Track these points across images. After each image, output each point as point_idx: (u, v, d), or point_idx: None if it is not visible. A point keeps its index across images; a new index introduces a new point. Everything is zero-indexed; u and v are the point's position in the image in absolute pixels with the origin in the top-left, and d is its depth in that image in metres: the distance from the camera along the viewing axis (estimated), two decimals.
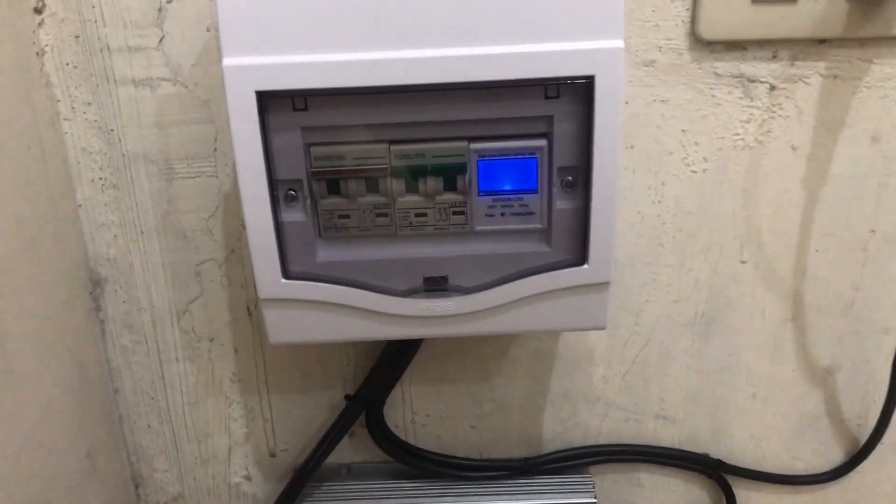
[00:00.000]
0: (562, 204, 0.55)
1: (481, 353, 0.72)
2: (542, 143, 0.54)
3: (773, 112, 0.63)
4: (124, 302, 0.69)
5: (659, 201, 0.66)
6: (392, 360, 0.69)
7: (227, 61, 0.50)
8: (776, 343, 0.72)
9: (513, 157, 0.54)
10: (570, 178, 0.55)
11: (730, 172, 0.65)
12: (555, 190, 0.55)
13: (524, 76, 0.50)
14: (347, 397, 0.71)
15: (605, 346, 0.72)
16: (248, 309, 0.70)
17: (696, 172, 0.65)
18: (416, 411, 0.74)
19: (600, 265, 0.55)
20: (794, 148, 0.64)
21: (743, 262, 0.68)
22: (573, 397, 0.74)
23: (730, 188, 0.66)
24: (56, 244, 0.62)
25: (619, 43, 0.50)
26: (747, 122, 0.63)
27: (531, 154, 0.54)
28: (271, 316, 0.57)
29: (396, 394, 0.73)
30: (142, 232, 0.67)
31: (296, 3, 0.49)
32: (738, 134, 0.64)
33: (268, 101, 0.51)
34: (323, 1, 0.49)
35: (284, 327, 0.58)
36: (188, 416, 0.74)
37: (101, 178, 0.65)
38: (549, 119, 0.53)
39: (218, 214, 0.66)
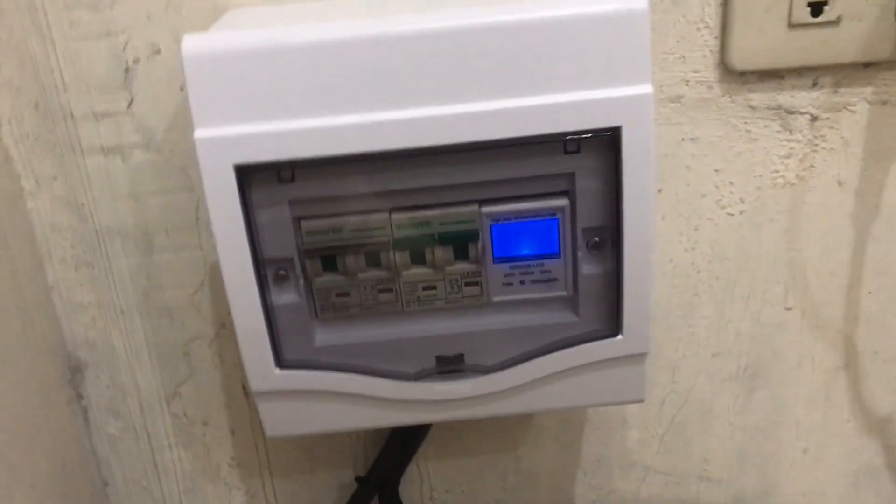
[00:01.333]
0: (589, 268, 0.49)
1: (504, 422, 0.65)
2: (564, 202, 0.47)
3: (816, 145, 0.56)
4: (108, 387, 0.63)
5: (692, 248, 0.59)
6: (405, 436, 0.63)
7: (200, 133, 0.43)
8: (828, 393, 0.65)
9: (530, 219, 0.48)
10: (596, 239, 0.48)
11: (770, 213, 0.58)
12: (580, 253, 0.48)
13: (541, 132, 0.44)
14: (358, 479, 0.64)
15: (640, 407, 0.65)
16: (244, 388, 0.63)
17: (732, 215, 0.58)
18: (434, 488, 0.67)
19: (636, 335, 0.49)
20: (840, 182, 0.58)
21: (788, 308, 0.62)
22: (607, 463, 0.67)
23: (770, 230, 0.59)
24: (26, 331, 0.56)
25: (646, 89, 0.43)
26: (787, 157, 0.57)
27: (551, 215, 0.47)
28: (266, 409, 0.51)
29: (412, 470, 0.67)
30: (122, 312, 0.60)
31: (276, 62, 0.43)
32: (777, 171, 0.57)
33: (249, 175, 0.45)
34: (304, 59, 0.42)
35: (283, 419, 0.51)
36: None
37: (73, 256, 0.58)
38: (571, 176, 0.46)
39: (204, 288, 0.60)
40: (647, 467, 0.68)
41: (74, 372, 0.62)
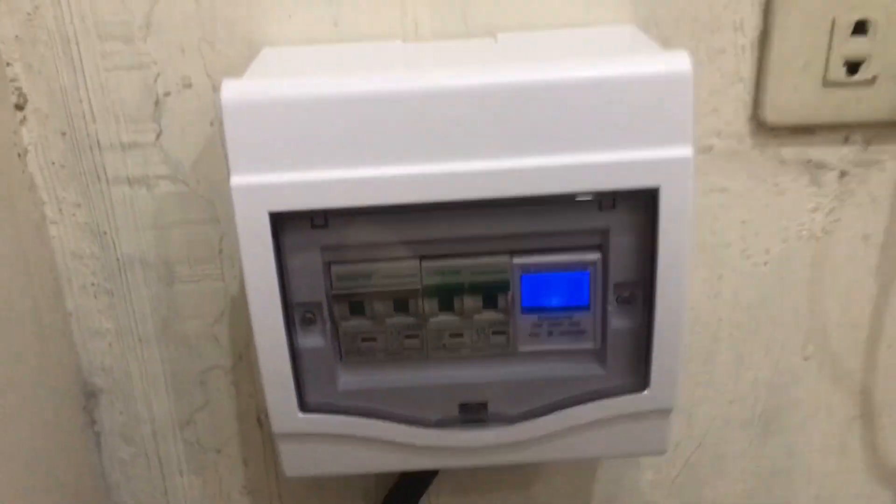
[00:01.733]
0: (618, 323, 0.48)
1: None
2: (596, 256, 0.47)
3: (844, 199, 0.56)
4: (121, 413, 0.62)
5: (715, 296, 0.59)
6: (418, 472, 0.62)
7: (236, 180, 0.43)
8: (842, 442, 0.65)
9: (561, 271, 0.47)
10: (627, 294, 0.48)
11: (794, 264, 0.58)
12: (610, 307, 0.48)
13: (576, 189, 0.44)
14: None
15: None
16: (259, 419, 0.63)
17: (756, 265, 0.58)
18: None
19: (663, 390, 0.49)
20: (865, 237, 0.57)
21: (806, 358, 0.62)
22: (620, 503, 0.67)
23: (794, 281, 0.59)
24: (43, 357, 0.56)
25: (687, 151, 0.43)
26: (814, 210, 0.57)
27: (583, 268, 0.47)
28: (287, 450, 0.51)
29: None
30: (140, 339, 0.60)
31: (314, 112, 0.42)
32: (803, 223, 0.57)
33: (283, 222, 0.44)
34: (342, 110, 0.42)
35: (302, 460, 0.51)
36: None
37: (93, 284, 0.58)
38: (605, 232, 0.46)
39: (224, 319, 0.59)
40: None
41: (89, 397, 0.62)
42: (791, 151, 0.55)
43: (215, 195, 0.55)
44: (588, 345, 0.49)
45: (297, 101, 0.42)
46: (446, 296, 0.48)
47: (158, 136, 0.54)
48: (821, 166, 0.55)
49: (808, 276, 0.59)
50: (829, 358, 0.62)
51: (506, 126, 0.42)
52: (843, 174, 0.56)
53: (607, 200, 0.45)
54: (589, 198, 0.45)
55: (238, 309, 0.59)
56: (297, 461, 0.51)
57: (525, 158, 0.43)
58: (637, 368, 0.49)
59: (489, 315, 0.48)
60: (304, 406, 0.49)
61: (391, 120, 0.42)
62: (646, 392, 0.49)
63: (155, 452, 0.64)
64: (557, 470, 0.66)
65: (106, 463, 0.64)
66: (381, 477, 0.65)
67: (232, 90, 0.42)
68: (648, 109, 0.42)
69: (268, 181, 0.43)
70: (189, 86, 0.52)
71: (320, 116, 0.42)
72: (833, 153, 0.55)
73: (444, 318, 0.48)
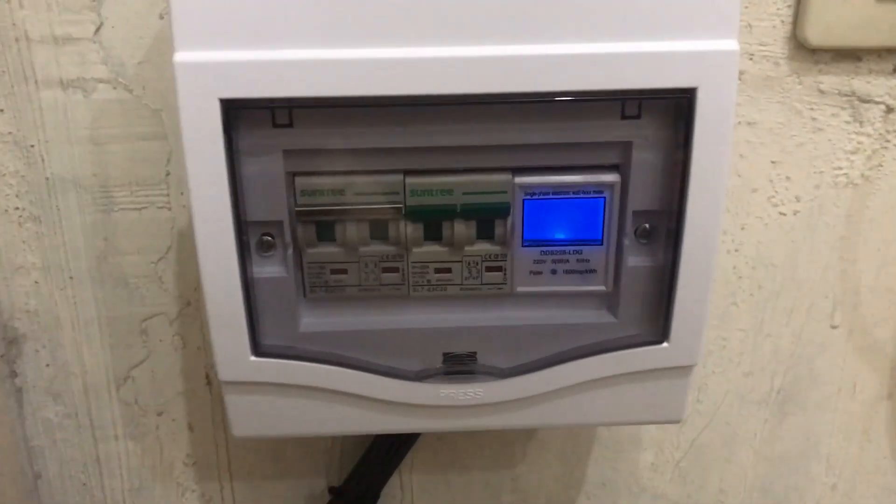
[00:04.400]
0: (635, 260, 0.41)
1: (503, 434, 0.57)
2: (614, 178, 0.39)
3: (888, 141, 0.49)
4: (48, 365, 0.54)
5: (736, 250, 0.52)
6: (390, 442, 0.54)
7: (181, 56, 0.35)
8: (866, 425, 0.58)
9: (572, 196, 0.40)
10: (647, 225, 0.40)
11: (827, 216, 0.51)
12: (626, 241, 0.40)
13: (595, 87, 0.36)
14: (332, 490, 0.55)
15: (657, 427, 0.57)
16: (207, 376, 0.55)
17: (784, 215, 0.51)
18: None
19: (686, 344, 0.41)
20: None
21: (834, 326, 0.55)
22: (614, 488, 0.59)
23: (825, 236, 0.52)
24: None
25: (732, 44, 0.36)
26: (854, 152, 0.50)
27: (597, 193, 0.40)
28: (236, 403, 0.42)
29: (394, 484, 0.58)
30: (71, 277, 0.51)
31: None
32: (840, 168, 0.50)
33: (237, 114, 0.36)
34: None
35: (254, 417, 0.43)
36: None
37: (17, 209, 0.49)
38: (626, 147, 0.38)
39: (170, 257, 0.51)
40: (658, 495, 0.60)
41: (9, 345, 0.53)
42: (832, 81, 0.48)
43: (164, 105, 0.47)
44: (598, 286, 0.42)
45: None
46: (433, 221, 0.40)
47: (98, 28, 0.45)
48: (865, 100, 0.48)
49: (842, 231, 0.52)
50: (858, 327, 0.55)
51: (513, 3, 0.35)
52: (889, 110, 0.49)
53: (631, 106, 0.37)
54: (610, 101, 0.37)
55: (187, 244, 0.51)
56: (248, 418, 0.43)
57: (533, 45, 0.35)
58: (656, 316, 0.41)
59: (483, 247, 0.41)
60: (257, 349, 0.41)
61: None
62: (665, 344, 0.41)
63: (86, 413, 0.55)
64: (548, 447, 0.58)
65: (28, 423, 0.55)
66: (347, 449, 0.57)
67: None
68: None
69: (220, 59, 0.35)
70: None
71: None
72: (880, 84, 0.48)
73: (430, 248, 0.41)
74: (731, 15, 0.35)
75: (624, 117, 0.38)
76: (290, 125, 0.37)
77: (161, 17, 0.45)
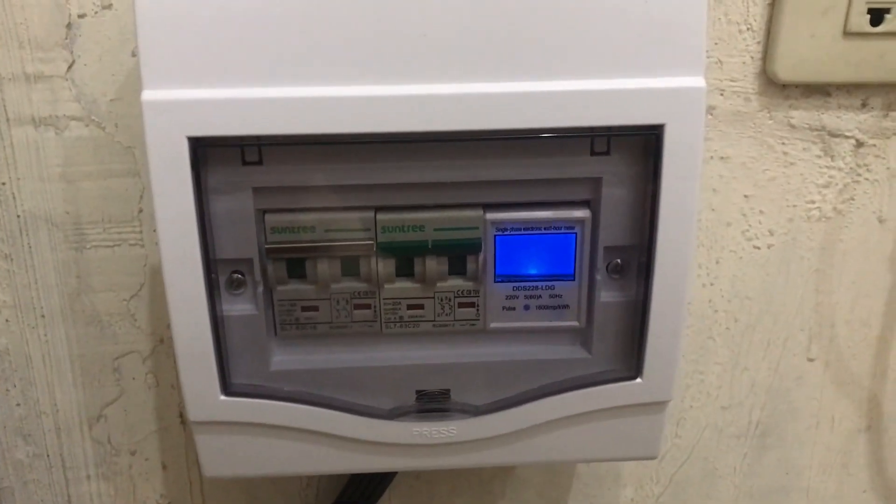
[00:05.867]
0: (608, 296, 0.41)
1: (481, 471, 0.57)
2: (585, 213, 0.39)
3: (859, 175, 0.50)
4: (19, 405, 0.53)
5: (711, 284, 0.52)
6: (366, 481, 0.53)
7: (149, 94, 0.35)
8: (846, 458, 0.58)
9: (543, 231, 0.40)
10: (619, 261, 0.40)
11: (801, 249, 0.51)
12: (598, 277, 0.40)
13: (565, 124, 0.36)
14: None
15: (636, 462, 0.57)
16: (181, 415, 0.54)
17: (759, 248, 0.51)
18: None
19: (659, 379, 0.41)
20: (881, 220, 0.51)
21: (811, 359, 0.55)
22: None
23: (800, 268, 0.52)
24: None
25: (698, 82, 0.36)
26: (826, 186, 0.50)
27: (568, 228, 0.40)
28: (207, 443, 0.42)
29: None
30: (42, 316, 0.51)
31: (248, 15, 0.34)
32: (813, 202, 0.50)
33: (206, 151, 0.36)
34: (285, 12, 0.34)
35: (225, 458, 0.42)
36: None
37: None
38: (596, 182, 0.39)
39: (143, 294, 0.50)
40: None
41: None
42: (803, 116, 0.48)
43: (136, 142, 0.47)
44: (571, 322, 0.41)
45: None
46: (405, 257, 0.40)
47: (70, 66, 0.45)
48: (835, 134, 0.49)
49: (816, 263, 0.52)
50: (835, 359, 0.55)
51: (482, 42, 0.35)
52: (859, 144, 0.49)
53: (601, 142, 0.37)
54: (579, 137, 0.37)
55: (160, 282, 0.50)
56: (220, 458, 0.42)
57: (503, 83, 0.35)
58: (629, 352, 0.41)
59: (456, 282, 0.41)
60: (227, 388, 0.40)
61: (341, 28, 0.35)
62: (638, 380, 0.41)
63: (58, 453, 0.54)
64: (527, 484, 0.57)
65: None
66: (323, 490, 0.56)
67: None
68: (652, 29, 0.35)
69: (188, 97, 0.35)
70: (109, 6, 0.44)
71: (255, 21, 0.34)
72: (849, 119, 0.48)
73: (402, 284, 0.40)
74: (697, 52, 0.36)
75: (594, 153, 0.38)
76: (260, 162, 0.37)
77: (133, 55, 0.45)
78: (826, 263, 0.52)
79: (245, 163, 0.37)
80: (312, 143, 0.36)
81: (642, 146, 0.37)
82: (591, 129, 0.36)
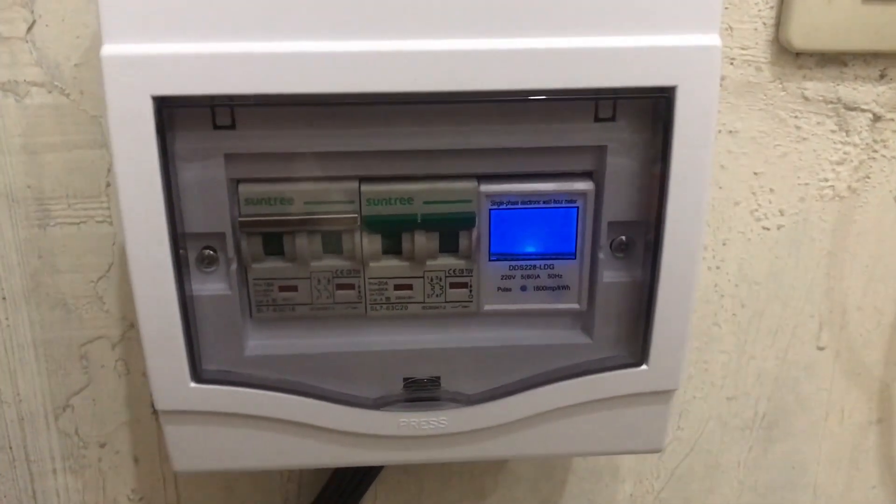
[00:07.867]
0: (611, 276, 0.38)
1: (472, 465, 0.54)
2: (588, 185, 0.36)
3: (875, 151, 0.47)
4: None
5: (717, 267, 0.49)
6: (350, 475, 0.50)
7: (109, 49, 0.31)
8: (855, 452, 0.55)
9: (542, 206, 0.37)
10: (623, 238, 0.37)
11: (812, 230, 0.49)
12: (601, 255, 0.37)
13: (567, 85, 0.33)
14: None
15: (636, 455, 0.54)
16: (153, 405, 0.50)
17: (768, 229, 0.48)
18: None
19: (666, 367, 0.38)
20: None
21: (821, 348, 0.52)
22: None
23: (810, 251, 0.49)
24: None
25: (714, 39, 0.33)
26: (840, 163, 0.47)
27: (570, 202, 0.37)
28: (176, 435, 0.39)
29: None
30: (3, 298, 0.47)
31: None
32: (826, 180, 0.47)
33: (173, 113, 0.33)
34: None
35: (197, 450, 0.39)
36: None
37: None
38: (601, 151, 0.35)
39: (111, 275, 0.47)
40: None
41: None
42: (817, 87, 0.45)
43: (104, 111, 0.43)
44: (572, 304, 0.38)
45: None
46: (392, 232, 0.37)
47: (31, 26, 0.42)
48: (851, 107, 0.46)
49: (828, 246, 0.49)
50: (846, 349, 0.52)
51: None
52: (876, 119, 0.46)
53: (606, 106, 0.34)
54: (582, 101, 0.34)
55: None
56: (190, 451, 0.39)
57: (500, 39, 0.32)
58: (633, 337, 0.38)
59: (447, 261, 0.37)
60: (198, 375, 0.37)
61: None
62: (644, 367, 0.38)
63: (21, 445, 0.51)
64: (520, 479, 0.54)
65: None
66: (305, 483, 0.53)
67: None
68: None
69: (153, 52, 0.31)
70: None
71: None
72: (866, 91, 0.46)
73: (388, 262, 0.37)
74: (713, 7, 0.33)
75: (598, 119, 0.35)
76: (233, 126, 0.34)
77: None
78: (839, 246, 0.49)
79: (216, 126, 0.34)
80: (290, 104, 0.33)
81: (651, 111, 0.34)
82: (595, 92, 0.33)
